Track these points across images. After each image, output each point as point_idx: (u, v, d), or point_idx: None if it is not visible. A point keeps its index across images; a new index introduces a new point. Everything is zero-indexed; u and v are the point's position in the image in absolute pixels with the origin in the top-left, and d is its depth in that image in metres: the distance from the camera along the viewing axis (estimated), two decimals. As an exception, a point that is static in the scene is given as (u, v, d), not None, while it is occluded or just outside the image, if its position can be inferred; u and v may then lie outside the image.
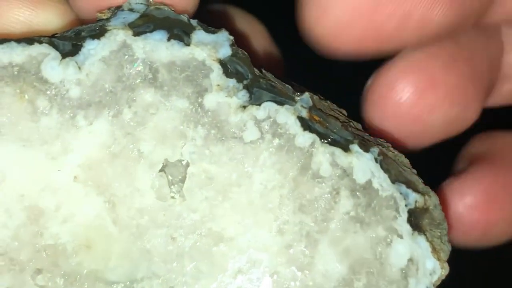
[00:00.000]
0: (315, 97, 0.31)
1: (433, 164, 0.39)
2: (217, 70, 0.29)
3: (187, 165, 0.29)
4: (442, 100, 0.34)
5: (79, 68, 0.29)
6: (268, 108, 0.29)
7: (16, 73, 0.29)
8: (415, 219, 0.30)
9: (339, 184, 0.29)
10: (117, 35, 0.29)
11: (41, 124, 0.29)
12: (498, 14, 0.35)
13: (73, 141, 0.29)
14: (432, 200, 0.30)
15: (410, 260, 0.29)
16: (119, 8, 0.31)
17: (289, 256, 0.29)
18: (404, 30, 0.32)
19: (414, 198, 0.30)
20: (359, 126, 0.32)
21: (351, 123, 0.31)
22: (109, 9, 0.31)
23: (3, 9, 0.32)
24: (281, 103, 0.30)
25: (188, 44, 0.30)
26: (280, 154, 0.29)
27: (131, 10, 0.30)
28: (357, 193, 0.29)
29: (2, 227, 0.29)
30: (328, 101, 0.32)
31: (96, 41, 0.29)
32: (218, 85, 0.29)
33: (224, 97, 0.29)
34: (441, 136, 0.37)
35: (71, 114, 0.29)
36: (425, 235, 0.29)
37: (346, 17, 0.31)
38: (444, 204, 0.32)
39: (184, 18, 0.31)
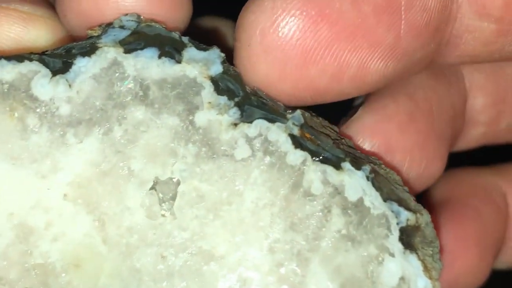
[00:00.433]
0: (307, 114, 0.31)
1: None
2: (208, 87, 0.29)
3: (178, 183, 0.29)
4: (400, 164, 0.33)
5: (70, 85, 0.29)
6: (259, 125, 0.29)
7: (6, 90, 0.29)
8: (407, 237, 0.30)
9: (331, 202, 0.29)
10: (108, 53, 0.29)
11: (31, 142, 0.29)
12: (454, 57, 0.33)
13: (63, 159, 0.29)
14: (424, 218, 0.30)
15: (402, 278, 0.29)
16: (110, 25, 0.31)
17: (280, 275, 0.29)
18: (339, 83, 0.30)
19: (406, 216, 0.29)
20: (351, 143, 0.32)
21: (343, 140, 0.31)
22: (100, 26, 0.31)
23: (-7, 26, 0.32)
24: (272, 121, 0.29)
25: (179, 61, 0.30)
26: (272, 172, 0.29)
27: (122, 27, 0.30)
28: (349, 211, 0.29)
29: (-9, 245, 0.29)
30: (320, 118, 0.32)
31: (86, 58, 0.29)
32: (209, 102, 0.29)
33: (215, 115, 0.29)
34: None
35: (61, 132, 0.29)
36: (416, 253, 0.29)
37: (274, 74, 0.30)
38: (436, 222, 0.32)
39: (176, 35, 0.30)
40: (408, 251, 0.29)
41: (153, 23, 0.31)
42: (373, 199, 0.29)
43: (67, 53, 0.30)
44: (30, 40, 0.32)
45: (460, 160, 0.41)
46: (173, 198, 0.29)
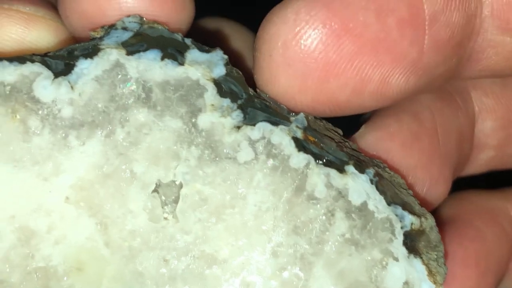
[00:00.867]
0: (310, 117, 0.30)
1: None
2: (211, 89, 0.29)
3: (181, 186, 0.29)
4: None
5: (72, 87, 0.29)
6: (262, 128, 0.29)
7: (8, 92, 0.29)
8: (411, 242, 0.29)
9: (334, 206, 0.29)
10: (110, 54, 0.29)
11: (33, 144, 0.29)
12: (475, 71, 0.33)
13: (65, 161, 0.29)
14: (429, 222, 0.30)
15: (406, 283, 0.29)
16: (112, 26, 0.30)
17: (283, 279, 0.29)
18: (360, 97, 0.30)
19: (410, 220, 0.29)
20: (355, 146, 0.32)
21: (346, 143, 0.31)
22: (102, 27, 0.31)
23: (-4, 27, 0.32)
24: (275, 124, 0.29)
25: (182, 64, 0.29)
26: (275, 175, 0.29)
27: (124, 28, 0.30)
28: (353, 215, 0.29)
29: (-8, 248, 0.28)
30: (324, 121, 0.31)
31: (89, 60, 0.29)
32: (212, 104, 0.29)
33: (218, 117, 0.29)
34: None
35: (63, 134, 0.29)
36: (421, 257, 0.29)
37: (294, 86, 0.29)
38: (441, 226, 0.32)
39: (178, 37, 0.30)
40: (412, 256, 0.29)
41: (155, 25, 0.30)
42: (377, 203, 0.29)
43: (69, 55, 0.30)
44: (32, 41, 0.32)
45: (469, 184, 0.41)
46: (176, 201, 0.29)
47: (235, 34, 0.40)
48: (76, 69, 0.29)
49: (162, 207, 0.29)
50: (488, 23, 0.31)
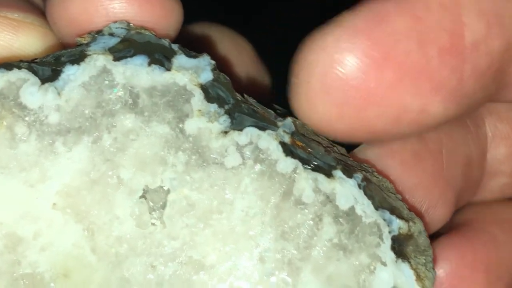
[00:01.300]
0: (298, 122, 0.30)
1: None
2: (198, 95, 0.29)
3: (168, 191, 0.29)
4: None
5: (59, 93, 0.29)
6: (250, 133, 0.29)
7: (-6, 99, 0.29)
8: (399, 246, 0.29)
9: (322, 211, 0.29)
10: (97, 60, 0.29)
11: (20, 150, 0.29)
12: (510, 96, 0.32)
13: (51, 168, 0.29)
14: (417, 226, 0.30)
15: (394, 288, 0.29)
16: (99, 32, 0.30)
17: (271, 285, 0.29)
18: (398, 126, 0.29)
19: (398, 224, 0.29)
20: (343, 150, 0.31)
21: (334, 148, 0.31)
22: (89, 33, 0.31)
23: (-17, 34, 0.32)
24: (263, 128, 0.29)
25: (169, 69, 0.29)
26: (262, 180, 0.29)
27: (111, 34, 0.30)
28: (340, 219, 0.29)
29: (-21, 255, 0.28)
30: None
31: (75, 66, 0.29)
32: (199, 110, 0.29)
33: (205, 123, 0.29)
34: None
35: (50, 141, 0.29)
36: (409, 262, 0.29)
37: (332, 113, 0.29)
38: (429, 231, 0.32)
39: (165, 42, 0.30)
40: (400, 260, 0.29)
41: (142, 30, 0.30)
42: (364, 208, 0.29)
43: (56, 61, 0.30)
44: (20, 47, 0.32)
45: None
46: (163, 207, 0.29)
47: (223, 39, 0.40)
48: (63, 75, 0.29)
49: (150, 213, 0.29)
50: None
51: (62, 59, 0.30)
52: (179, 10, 0.32)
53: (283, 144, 0.29)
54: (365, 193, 0.29)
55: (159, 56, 0.30)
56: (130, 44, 0.30)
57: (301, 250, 0.29)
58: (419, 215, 0.31)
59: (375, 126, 0.29)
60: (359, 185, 0.29)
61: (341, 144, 0.31)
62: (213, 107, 0.29)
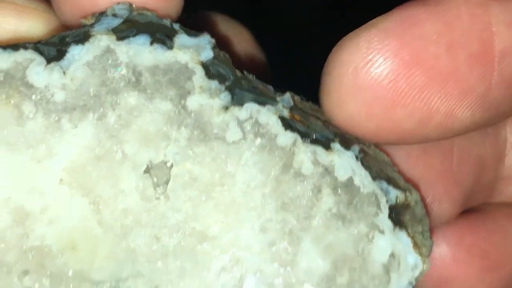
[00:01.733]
0: (296, 97, 0.31)
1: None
2: (199, 72, 0.30)
3: (171, 166, 0.30)
4: None
5: (64, 73, 0.30)
6: (250, 108, 0.30)
7: (2, 79, 0.29)
8: (396, 215, 0.30)
9: (321, 182, 0.30)
10: (101, 40, 0.30)
11: (27, 128, 0.29)
12: None
13: (58, 144, 0.30)
14: (413, 196, 0.31)
15: (392, 255, 0.29)
16: (102, 14, 0.31)
17: (272, 254, 0.30)
18: (425, 128, 0.30)
19: (395, 194, 0.30)
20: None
21: (331, 125, 0.32)
22: (93, 15, 0.31)
23: (-12, 19, 0.33)
24: (262, 104, 0.30)
25: (170, 48, 0.30)
26: (262, 153, 0.30)
27: (114, 15, 0.31)
28: (339, 190, 0.30)
29: (-12, 230, 0.29)
30: (310, 102, 0.32)
31: (80, 46, 0.30)
32: (201, 87, 0.30)
33: (206, 99, 0.30)
34: None
35: (56, 118, 0.30)
36: (406, 230, 0.30)
37: (362, 112, 0.29)
38: (425, 200, 0.33)
39: (167, 22, 0.31)
40: (397, 228, 0.30)
41: (144, 11, 0.31)
42: (362, 178, 0.30)
43: (61, 42, 0.31)
44: (25, 31, 0.33)
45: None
46: (167, 180, 0.30)
47: (224, 24, 0.40)
48: (68, 55, 0.30)
49: (153, 187, 0.30)
50: None
51: (67, 39, 0.31)
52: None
53: (282, 118, 0.30)
54: (363, 164, 0.30)
55: (161, 36, 0.30)
56: (133, 25, 0.31)
57: (301, 220, 0.30)
58: (416, 187, 0.32)
59: (402, 126, 0.30)
60: (356, 157, 0.30)
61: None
62: (214, 83, 0.30)
